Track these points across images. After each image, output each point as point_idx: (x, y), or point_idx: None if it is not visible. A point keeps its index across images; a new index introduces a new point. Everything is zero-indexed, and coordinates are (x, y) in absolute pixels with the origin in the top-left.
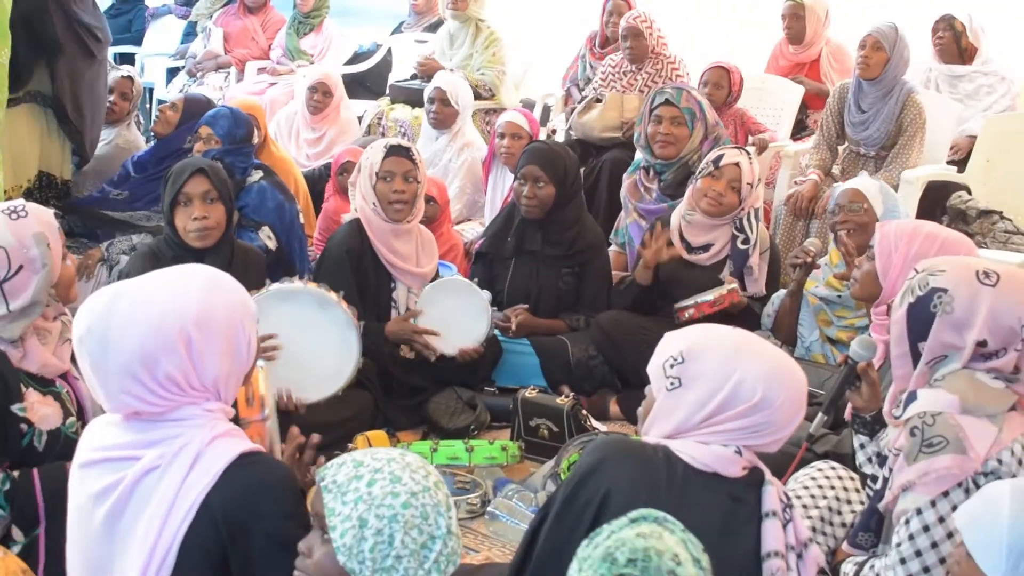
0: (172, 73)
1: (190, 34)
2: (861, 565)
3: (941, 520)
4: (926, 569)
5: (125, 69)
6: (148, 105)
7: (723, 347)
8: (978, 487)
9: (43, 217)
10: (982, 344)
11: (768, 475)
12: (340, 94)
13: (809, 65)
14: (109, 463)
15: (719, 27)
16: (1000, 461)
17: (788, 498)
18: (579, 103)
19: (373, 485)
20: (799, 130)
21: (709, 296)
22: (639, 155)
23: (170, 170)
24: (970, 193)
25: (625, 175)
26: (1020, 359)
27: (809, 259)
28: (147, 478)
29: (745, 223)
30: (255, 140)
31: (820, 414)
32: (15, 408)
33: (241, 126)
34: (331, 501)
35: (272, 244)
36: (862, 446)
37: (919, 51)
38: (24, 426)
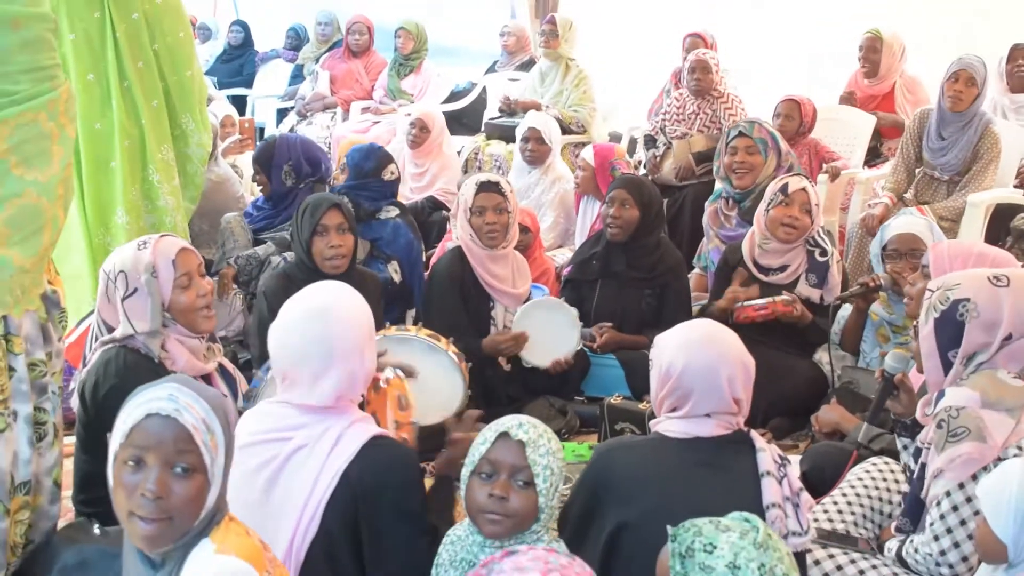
0: (282, 113)
1: (297, 76)
2: (903, 542)
3: (968, 500)
4: (956, 544)
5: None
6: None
7: (671, 334)
8: None
9: (165, 250)
10: (1008, 338)
11: (759, 442)
12: (439, 130)
13: (883, 97)
14: (265, 444)
15: (799, 60)
16: (1020, 448)
17: (782, 459)
18: (647, 159)
19: (551, 443)
20: (874, 156)
21: (761, 301)
22: (719, 185)
23: (306, 203)
24: None
25: (707, 203)
26: None
27: (873, 285)
28: (297, 454)
29: (818, 239)
30: (386, 176)
31: (865, 424)
32: None
33: (371, 159)
34: (532, 454)
35: (397, 278)
36: (905, 447)
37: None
38: None
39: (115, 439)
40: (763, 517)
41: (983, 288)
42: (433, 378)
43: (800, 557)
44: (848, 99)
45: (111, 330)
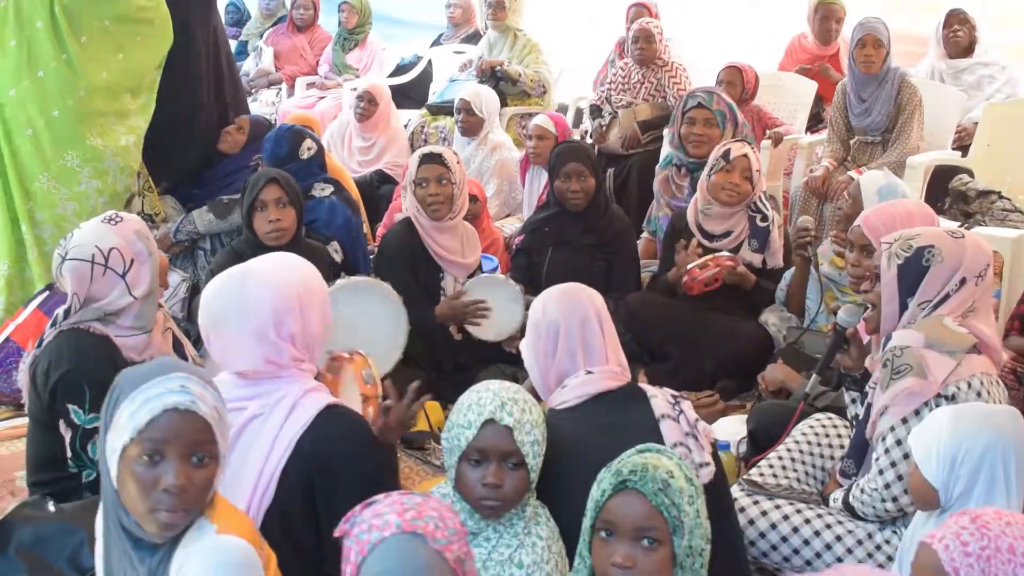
0: None
1: (241, 53)
2: (848, 490)
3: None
4: (900, 477)
5: None
6: None
7: (541, 297)
8: None
9: (135, 219)
10: (961, 283)
11: (650, 390)
12: (386, 103)
13: (829, 58)
14: None
15: (737, 27)
16: (959, 388)
17: (675, 398)
18: (594, 128)
19: (532, 413)
20: (816, 122)
21: (702, 261)
22: (669, 150)
23: (247, 181)
24: (972, 176)
25: (657, 168)
26: (974, 293)
27: (811, 236)
28: (252, 424)
29: (759, 204)
30: (304, 155)
31: (814, 374)
32: None
33: (282, 144)
34: (520, 435)
35: (339, 257)
36: (853, 401)
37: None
38: None
39: (121, 434)
40: None
41: (943, 237)
42: (375, 317)
43: (718, 490)
44: (807, 73)
45: (67, 313)
